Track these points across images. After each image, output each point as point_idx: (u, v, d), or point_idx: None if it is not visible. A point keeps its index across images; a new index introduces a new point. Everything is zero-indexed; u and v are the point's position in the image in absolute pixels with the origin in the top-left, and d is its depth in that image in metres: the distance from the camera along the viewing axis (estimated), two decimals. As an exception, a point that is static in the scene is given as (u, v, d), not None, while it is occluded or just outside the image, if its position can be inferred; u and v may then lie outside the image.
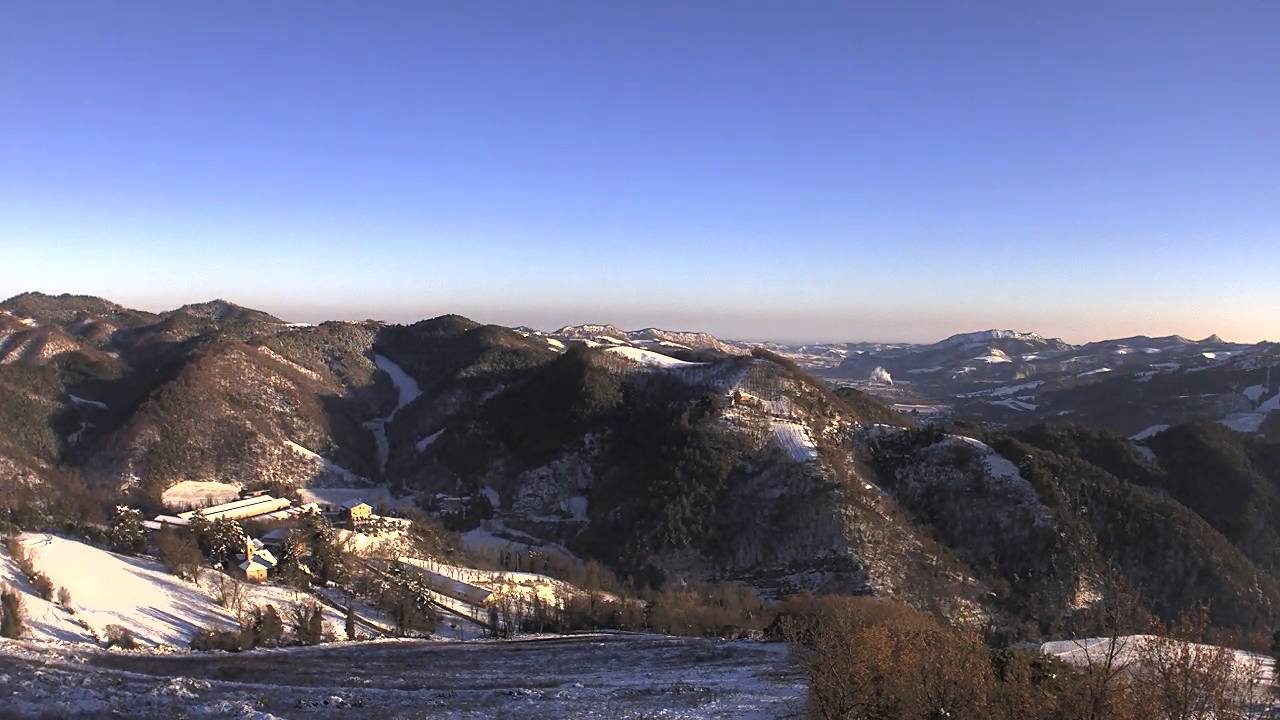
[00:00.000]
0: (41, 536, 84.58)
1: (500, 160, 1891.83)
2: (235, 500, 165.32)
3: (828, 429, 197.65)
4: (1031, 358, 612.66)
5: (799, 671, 34.61)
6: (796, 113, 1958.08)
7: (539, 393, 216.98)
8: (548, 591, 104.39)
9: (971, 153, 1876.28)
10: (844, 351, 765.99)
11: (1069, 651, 37.96)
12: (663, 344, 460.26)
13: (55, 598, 63.82)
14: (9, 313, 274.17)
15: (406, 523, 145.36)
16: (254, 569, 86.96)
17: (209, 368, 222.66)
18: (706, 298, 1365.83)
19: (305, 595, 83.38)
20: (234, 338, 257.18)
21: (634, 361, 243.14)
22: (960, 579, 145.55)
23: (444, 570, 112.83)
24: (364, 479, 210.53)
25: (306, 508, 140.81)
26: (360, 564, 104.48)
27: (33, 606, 58.22)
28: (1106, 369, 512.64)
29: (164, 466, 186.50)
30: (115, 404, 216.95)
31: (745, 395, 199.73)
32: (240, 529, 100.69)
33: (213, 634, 60.89)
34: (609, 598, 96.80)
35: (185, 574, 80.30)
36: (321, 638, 65.85)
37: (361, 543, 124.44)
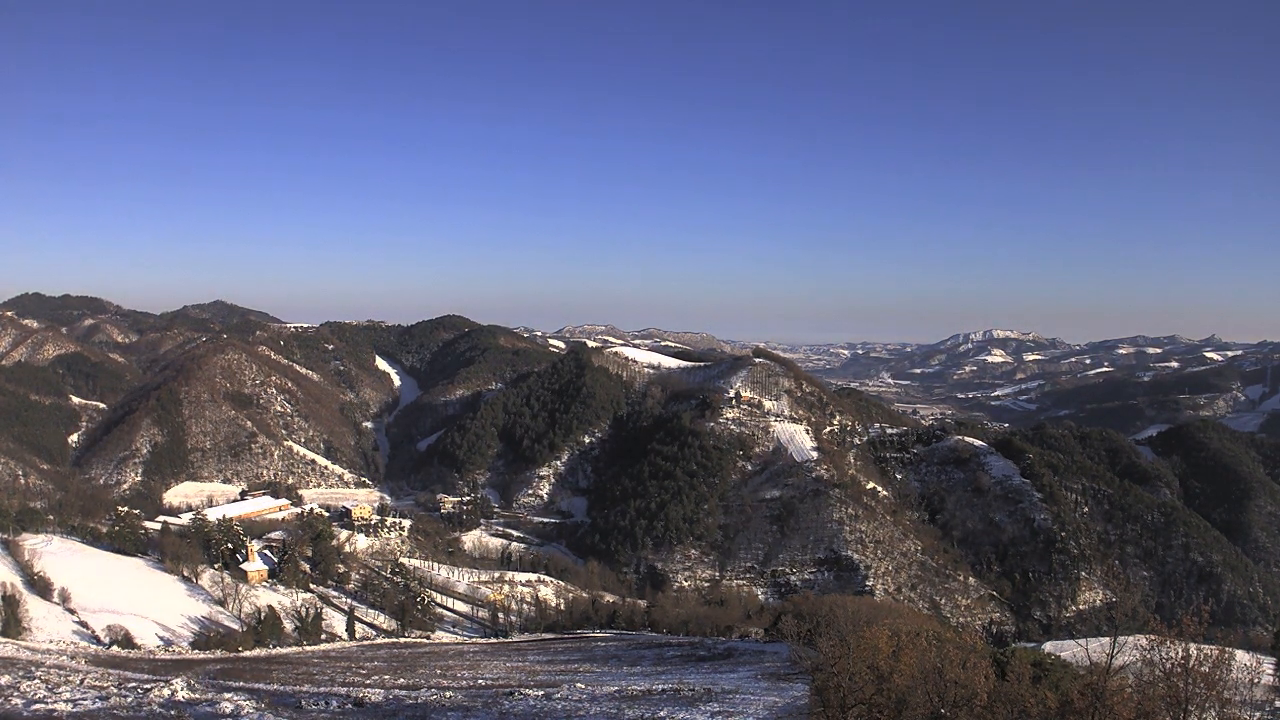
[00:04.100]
0: (43, 537, 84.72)
1: (502, 160, 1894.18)
2: (236, 500, 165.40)
3: (828, 429, 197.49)
4: (1032, 357, 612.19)
5: (800, 671, 34.61)
6: (798, 111, 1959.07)
7: (540, 393, 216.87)
8: (548, 591, 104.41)
9: (973, 152, 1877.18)
10: (845, 351, 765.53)
11: (1070, 651, 38.00)
12: (664, 343, 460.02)
13: (56, 598, 63.93)
14: (10, 313, 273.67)
15: (407, 523, 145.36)
16: (255, 569, 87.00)
17: (210, 368, 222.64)
18: (708, 296, 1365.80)
19: (306, 595, 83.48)
20: (234, 338, 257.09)
21: (635, 361, 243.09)
22: (961, 579, 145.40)
23: (445, 570, 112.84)
24: (364, 479, 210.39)
25: (307, 508, 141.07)
26: (361, 564, 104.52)
27: (34, 607, 58.33)
28: (1107, 368, 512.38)
29: (165, 467, 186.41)
30: (116, 404, 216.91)
31: (746, 395, 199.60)
32: (241, 529, 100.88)
33: (214, 634, 60.97)
34: (609, 598, 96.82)
35: (186, 574, 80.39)
36: (322, 637, 65.93)
37: (362, 543, 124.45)
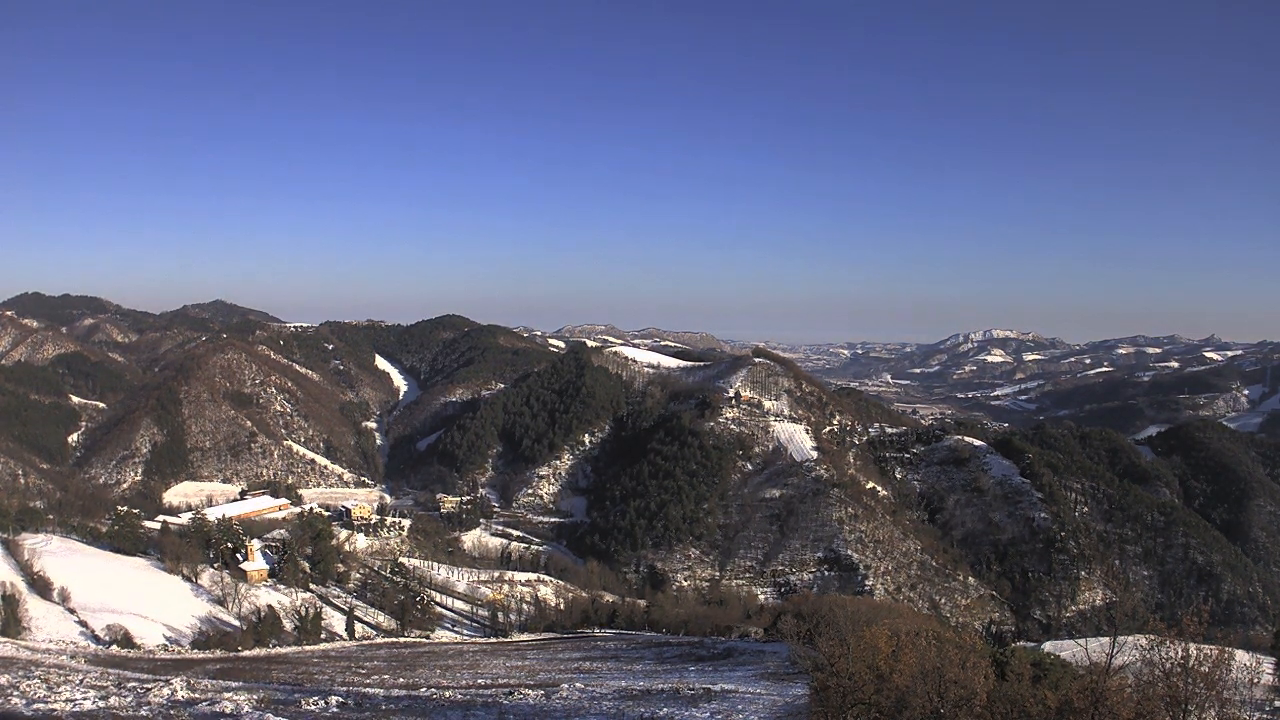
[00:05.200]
0: (43, 536, 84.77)
1: (502, 159, 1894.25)
2: (236, 500, 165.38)
3: (828, 429, 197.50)
4: (1032, 357, 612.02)
5: (799, 671, 34.61)
6: (797, 112, 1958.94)
7: (539, 392, 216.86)
8: (548, 591, 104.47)
9: (973, 152, 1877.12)
10: (844, 351, 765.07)
11: (1070, 651, 37.98)
12: (664, 343, 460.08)
13: (56, 597, 63.94)
14: (10, 313, 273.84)
15: (407, 522, 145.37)
16: (255, 568, 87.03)
17: (210, 368, 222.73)
18: (708, 296, 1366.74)
19: (306, 595, 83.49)
20: (234, 338, 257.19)
21: (634, 361, 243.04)
22: (961, 579, 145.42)
23: (444, 570, 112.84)
24: (364, 479, 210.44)
25: (307, 507, 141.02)
26: (361, 564, 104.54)
27: (33, 606, 58.35)
28: (1107, 368, 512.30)
29: (165, 466, 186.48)
30: (116, 404, 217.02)
31: (746, 395, 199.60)
32: (241, 529, 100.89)
33: (213, 633, 60.97)
34: (609, 597, 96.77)
35: (186, 574, 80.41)
36: (322, 637, 65.90)
37: (362, 543, 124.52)
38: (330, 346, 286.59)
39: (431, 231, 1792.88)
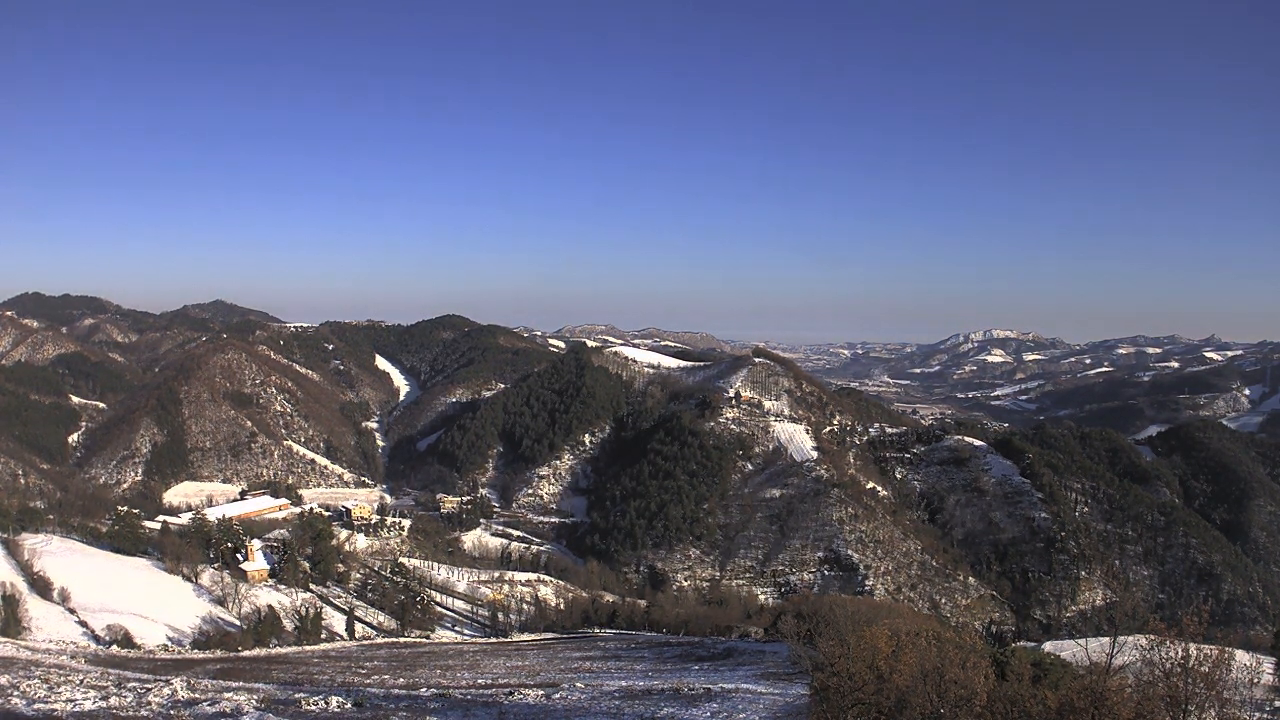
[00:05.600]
0: (43, 536, 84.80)
1: (502, 160, 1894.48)
2: (236, 500, 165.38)
3: (828, 429, 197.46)
4: (1032, 357, 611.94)
5: (799, 671, 34.60)
6: (798, 113, 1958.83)
7: (540, 392, 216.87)
8: (548, 591, 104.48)
9: (973, 152, 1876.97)
10: (845, 351, 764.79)
11: (1070, 651, 37.94)
12: (664, 343, 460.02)
13: (56, 597, 63.96)
14: (10, 313, 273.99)
15: (407, 523, 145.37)
16: (255, 569, 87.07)
17: (210, 368, 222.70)
18: (708, 296, 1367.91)
19: (306, 595, 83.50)
20: (234, 338, 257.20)
21: (635, 361, 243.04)
22: (961, 579, 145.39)
23: (444, 570, 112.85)
24: (364, 479, 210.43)
25: (307, 508, 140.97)
26: (361, 564, 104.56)
27: (34, 606, 58.36)
28: (1107, 368, 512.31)
29: (165, 466, 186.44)
30: (116, 404, 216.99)
31: (746, 395, 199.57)
32: (241, 529, 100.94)
33: (214, 633, 60.95)
34: (609, 597, 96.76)
35: (186, 574, 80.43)
36: (322, 637, 65.88)
37: (362, 543, 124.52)
38: (330, 346, 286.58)
39: (431, 231, 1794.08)
